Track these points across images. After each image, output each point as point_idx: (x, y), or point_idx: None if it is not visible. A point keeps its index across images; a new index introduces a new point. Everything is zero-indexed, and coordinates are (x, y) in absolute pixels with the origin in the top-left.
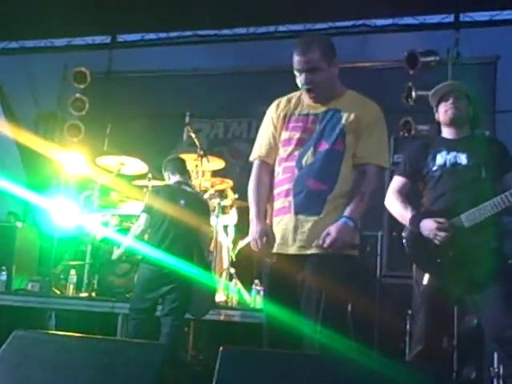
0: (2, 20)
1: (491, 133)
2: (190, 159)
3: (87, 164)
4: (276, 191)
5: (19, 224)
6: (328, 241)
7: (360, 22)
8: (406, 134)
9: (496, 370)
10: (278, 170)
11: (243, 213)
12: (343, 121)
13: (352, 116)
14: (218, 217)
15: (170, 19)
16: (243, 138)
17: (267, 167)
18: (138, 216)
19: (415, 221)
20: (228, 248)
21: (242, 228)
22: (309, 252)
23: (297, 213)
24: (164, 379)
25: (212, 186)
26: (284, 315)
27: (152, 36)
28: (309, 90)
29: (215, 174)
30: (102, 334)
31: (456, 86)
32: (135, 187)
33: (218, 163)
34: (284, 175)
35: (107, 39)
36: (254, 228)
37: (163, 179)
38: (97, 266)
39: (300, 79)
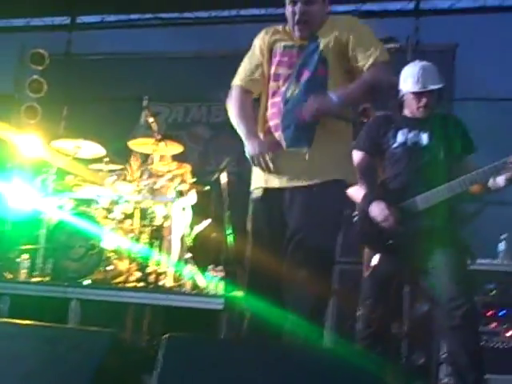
0: None
1: None
2: (148, 143)
3: (43, 147)
4: (269, 124)
5: None
6: (305, 109)
7: None
8: (364, 121)
9: (444, 355)
10: (267, 104)
11: (201, 197)
12: (321, 47)
13: (329, 38)
14: (174, 201)
15: (130, 1)
16: (203, 123)
17: (248, 95)
18: (93, 200)
19: (366, 200)
20: (183, 233)
21: (199, 212)
22: (300, 184)
23: (288, 146)
24: (108, 367)
25: (170, 171)
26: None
27: (112, 18)
28: (299, 22)
29: (173, 158)
30: (55, 319)
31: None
32: (92, 171)
33: (176, 148)
34: (272, 110)
35: (66, 20)
36: (252, 145)
37: (120, 163)
38: (51, 251)
39: (293, 9)
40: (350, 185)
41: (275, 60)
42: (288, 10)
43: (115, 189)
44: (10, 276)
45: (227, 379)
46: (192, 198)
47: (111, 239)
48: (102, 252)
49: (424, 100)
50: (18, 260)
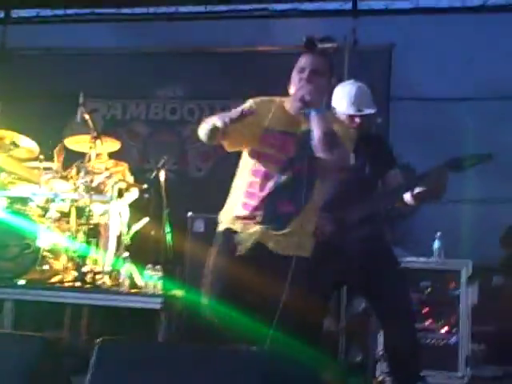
0: None
1: (385, 119)
2: (84, 141)
3: None
4: (245, 200)
5: None
6: None
7: (261, 6)
8: None
9: (380, 352)
10: (251, 179)
11: (139, 195)
12: None
13: None
14: (111, 200)
15: None
16: (141, 120)
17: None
18: (28, 198)
19: None
20: (121, 232)
21: (137, 211)
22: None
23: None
24: (40, 371)
25: (107, 169)
26: None
27: (48, 12)
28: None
29: (111, 156)
30: None
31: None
32: (27, 168)
33: (113, 145)
34: (254, 189)
35: (0, 14)
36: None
37: (52, 161)
38: None
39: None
40: None
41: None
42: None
43: (51, 187)
44: None
45: (159, 382)
46: (133, 195)
47: (47, 238)
48: (37, 251)
49: (357, 122)
50: None
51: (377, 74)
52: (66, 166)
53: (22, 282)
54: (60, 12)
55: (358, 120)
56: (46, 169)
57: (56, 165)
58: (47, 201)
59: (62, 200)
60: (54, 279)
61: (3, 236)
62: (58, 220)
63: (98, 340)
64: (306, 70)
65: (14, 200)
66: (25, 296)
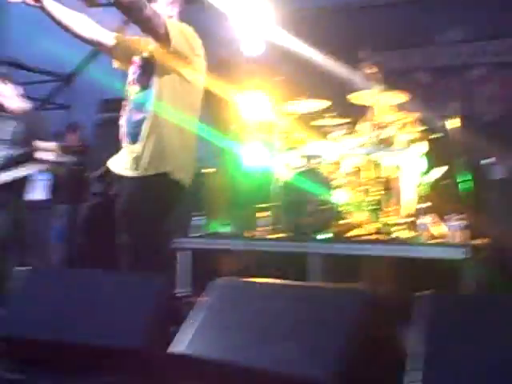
0: None
1: None
2: (370, 95)
3: (269, 108)
4: None
5: (210, 169)
6: None
7: None
8: None
9: None
10: None
11: (433, 144)
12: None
13: None
14: (403, 151)
15: None
16: (422, 68)
17: None
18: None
19: None
20: (417, 183)
21: (432, 160)
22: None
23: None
24: (364, 325)
25: (397, 120)
26: None
27: None
28: None
29: (398, 107)
30: (296, 275)
31: None
32: (314, 127)
33: (399, 97)
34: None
35: None
36: None
37: (340, 117)
38: (283, 208)
39: None
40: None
41: None
42: None
43: (341, 143)
44: (248, 235)
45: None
46: (423, 146)
47: (341, 194)
48: (333, 207)
49: None
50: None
51: None
52: (353, 121)
53: (323, 236)
54: None
55: None
56: (334, 126)
57: (344, 121)
58: (339, 157)
59: (353, 156)
60: (353, 233)
61: (300, 194)
62: (351, 176)
63: (427, 293)
64: None
65: (306, 158)
66: (329, 250)
